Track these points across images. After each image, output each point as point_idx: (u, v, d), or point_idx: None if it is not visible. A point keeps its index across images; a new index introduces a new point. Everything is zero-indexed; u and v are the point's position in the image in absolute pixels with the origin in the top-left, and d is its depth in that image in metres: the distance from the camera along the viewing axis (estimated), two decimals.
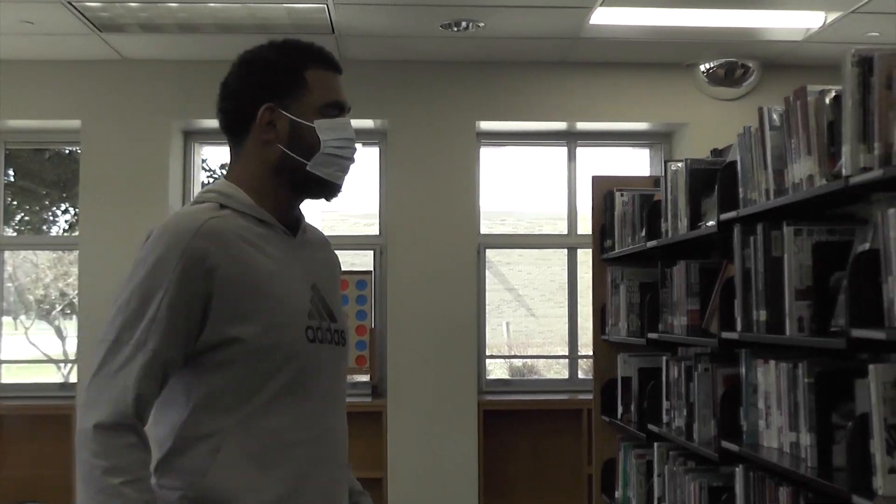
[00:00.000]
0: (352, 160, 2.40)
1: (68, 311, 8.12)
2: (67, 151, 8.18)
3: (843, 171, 2.91)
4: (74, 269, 7.62)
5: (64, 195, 8.21)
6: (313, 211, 8.13)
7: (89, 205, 7.37)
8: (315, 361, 2.29)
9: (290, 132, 2.31)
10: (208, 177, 8.22)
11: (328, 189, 2.40)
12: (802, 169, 3.29)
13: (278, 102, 2.31)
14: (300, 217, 2.45)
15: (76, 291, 7.49)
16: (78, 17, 6.28)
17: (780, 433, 3.51)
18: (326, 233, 8.29)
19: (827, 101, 3.17)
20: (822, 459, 3.19)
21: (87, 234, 7.35)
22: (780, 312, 3.38)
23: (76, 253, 7.49)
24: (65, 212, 8.29)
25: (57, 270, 8.24)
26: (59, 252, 8.14)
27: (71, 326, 8.02)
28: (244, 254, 2.22)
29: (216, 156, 8.26)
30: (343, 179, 2.42)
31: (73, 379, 7.75)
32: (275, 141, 2.31)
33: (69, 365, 7.97)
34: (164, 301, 2.14)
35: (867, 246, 3.01)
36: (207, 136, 7.92)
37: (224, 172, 2.42)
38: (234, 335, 2.18)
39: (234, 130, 2.36)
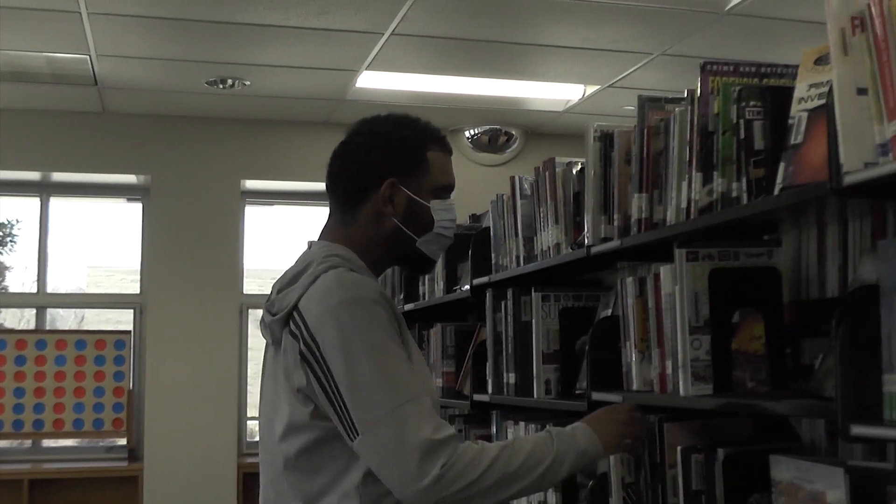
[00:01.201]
0: (452, 240, 2.51)
1: None
2: None
3: (586, 241, 3.03)
4: None
5: None
6: (78, 266, 7.89)
7: None
8: None
9: (406, 208, 2.38)
10: None
11: (426, 265, 2.53)
12: (550, 237, 3.41)
13: (400, 179, 2.37)
14: None
15: None
16: None
17: None
18: (91, 290, 7.94)
19: (574, 172, 3.30)
20: None
21: None
22: (529, 375, 3.46)
23: None
24: None
25: None
26: None
27: None
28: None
29: None
30: (439, 258, 2.56)
31: None
32: (391, 214, 2.38)
33: None
34: (400, 352, 2.20)
35: (609, 312, 3.13)
36: None
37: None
38: None
39: (349, 196, 2.40)
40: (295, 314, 2.26)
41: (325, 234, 2.45)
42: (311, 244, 2.46)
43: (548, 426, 2.40)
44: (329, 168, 2.46)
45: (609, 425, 2.43)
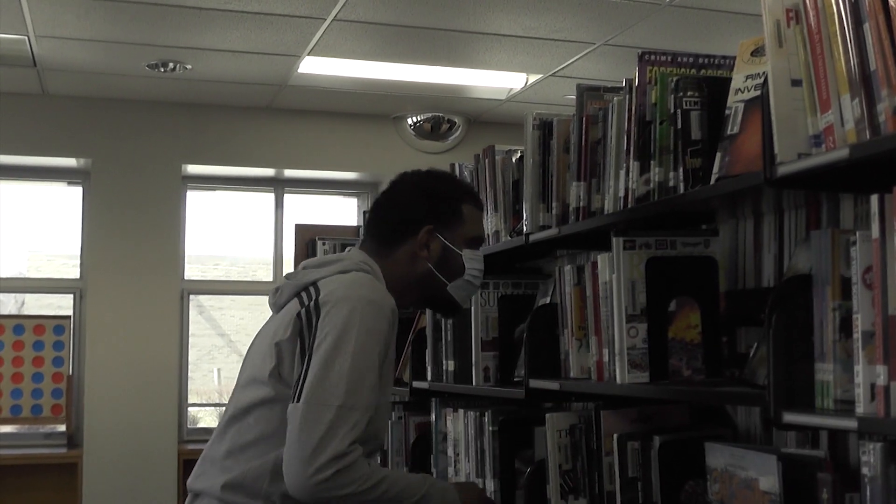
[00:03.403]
0: (478, 289, 2.84)
1: None
2: None
3: (525, 229, 3.04)
4: None
5: None
6: (18, 250, 7.80)
7: None
8: None
9: (441, 255, 2.63)
10: None
11: (454, 310, 2.79)
12: (490, 224, 3.41)
13: (437, 227, 2.62)
14: None
15: None
16: None
17: (467, 479, 3.59)
18: (32, 275, 7.80)
19: (513, 160, 3.31)
20: None
21: None
22: (468, 363, 3.47)
23: None
24: None
25: None
26: None
27: None
28: None
29: None
30: (468, 304, 2.81)
31: None
32: (426, 258, 2.62)
33: None
34: (379, 367, 2.39)
35: (547, 300, 3.14)
36: None
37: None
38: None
39: (388, 238, 2.64)
40: (310, 287, 2.47)
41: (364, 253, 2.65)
42: (348, 249, 2.73)
43: (423, 474, 2.64)
44: (372, 212, 2.73)
45: (473, 495, 2.70)
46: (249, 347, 2.65)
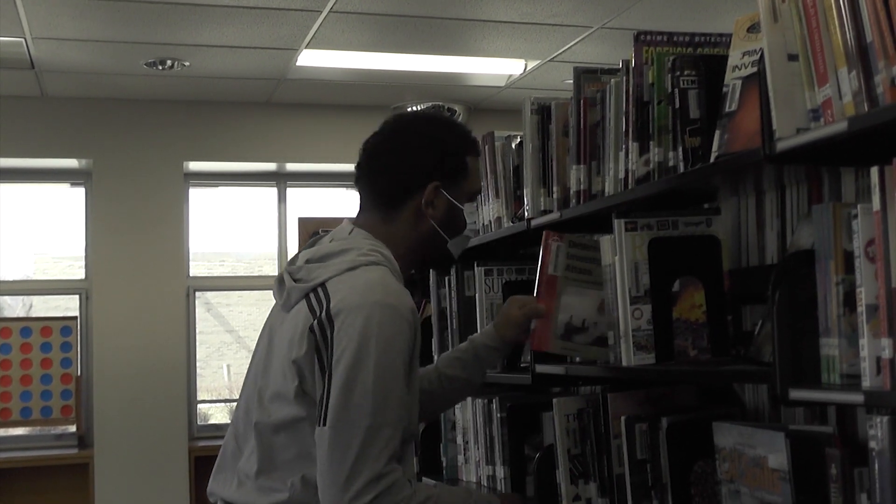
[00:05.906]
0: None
1: None
2: None
3: (526, 214, 3.04)
4: None
5: None
6: (24, 253, 7.80)
7: None
8: None
9: (445, 212, 2.45)
10: None
11: (448, 263, 2.71)
12: (491, 211, 3.41)
13: (443, 183, 2.44)
14: None
15: None
16: None
17: (477, 467, 3.59)
18: (38, 276, 7.78)
19: (513, 145, 3.31)
20: (516, 490, 3.29)
21: None
22: None
23: None
24: None
25: None
26: None
27: None
28: None
29: None
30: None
31: None
32: (431, 216, 2.44)
33: None
34: (403, 377, 2.23)
35: None
36: None
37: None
38: None
39: (391, 194, 2.44)
40: (319, 290, 2.28)
41: (364, 225, 2.45)
42: (350, 229, 2.44)
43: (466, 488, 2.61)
44: (369, 161, 2.49)
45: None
46: (262, 342, 2.46)
